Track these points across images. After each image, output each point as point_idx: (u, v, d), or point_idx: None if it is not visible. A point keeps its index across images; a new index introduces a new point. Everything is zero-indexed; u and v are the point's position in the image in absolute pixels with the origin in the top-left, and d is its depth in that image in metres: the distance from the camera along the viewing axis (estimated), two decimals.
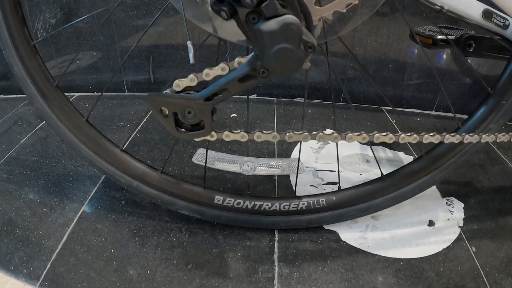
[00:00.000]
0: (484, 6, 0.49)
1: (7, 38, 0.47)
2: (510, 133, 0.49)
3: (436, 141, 0.43)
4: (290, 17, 0.25)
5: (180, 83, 0.35)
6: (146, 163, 0.53)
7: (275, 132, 0.38)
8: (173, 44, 0.84)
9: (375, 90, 0.87)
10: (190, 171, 0.66)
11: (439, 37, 0.56)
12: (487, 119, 0.51)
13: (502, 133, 0.48)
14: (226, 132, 0.37)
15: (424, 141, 0.43)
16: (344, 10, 0.37)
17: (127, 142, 0.73)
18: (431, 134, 0.44)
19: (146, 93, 0.89)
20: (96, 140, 0.52)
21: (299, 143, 0.72)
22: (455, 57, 0.83)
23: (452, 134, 0.44)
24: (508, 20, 0.50)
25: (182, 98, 0.35)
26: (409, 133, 0.45)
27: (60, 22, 0.87)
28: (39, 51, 0.50)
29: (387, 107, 0.89)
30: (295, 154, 0.71)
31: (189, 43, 0.31)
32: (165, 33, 0.84)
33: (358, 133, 0.44)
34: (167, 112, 0.36)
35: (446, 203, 0.63)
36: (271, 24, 0.26)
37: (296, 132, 0.39)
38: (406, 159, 0.72)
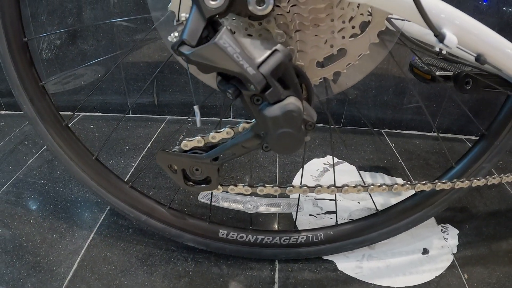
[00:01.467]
0: None
1: (16, 79, 0.50)
2: (501, 175, 0.52)
3: (428, 189, 0.47)
4: (292, 104, 0.29)
5: (188, 144, 0.38)
6: (154, 198, 0.56)
7: (277, 187, 0.41)
8: (177, 69, 0.87)
9: (375, 114, 0.90)
10: (196, 206, 0.69)
11: (438, 73, 0.59)
12: (481, 159, 0.55)
13: (493, 176, 0.51)
14: (231, 187, 0.41)
15: (416, 189, 0.47)
16: (345, 70, 0.40)
17: (131, 175, 0.76)
18: (423, 183, 0.47)
19: (150, 116, 0.93)
20: (106, 177, 0.55)
21: (301, 169, 0.75)
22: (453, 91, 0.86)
23: (443, 181, 0.48)
24: None
25: (191, 157, 0.38)
26: (402, 184, 0.48)
27: (65, 44, 0.90)
28: (47, 91, 0.53)
29: (386, 130, 0.93)
30: (296, 181, 0.74)
31: (196, 108, 0.34)
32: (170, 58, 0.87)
33: (354, 185, 0.47)
34: (176, 168, 0.40)
35: (441, 230, 0.66)
36: (274, 110, 0.29)
37: (295, 186, 0.43)
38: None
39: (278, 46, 0.28)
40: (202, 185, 0.40)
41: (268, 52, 0.28)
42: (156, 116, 0.95)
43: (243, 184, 0.41)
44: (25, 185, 0.76)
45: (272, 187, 0.41)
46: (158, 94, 0.89)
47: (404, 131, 0.94)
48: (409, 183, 0.48)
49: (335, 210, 0.65)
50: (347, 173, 0.77)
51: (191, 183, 0.41)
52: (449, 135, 0.94)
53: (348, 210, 0.67)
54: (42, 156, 0.84)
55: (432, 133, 0.94)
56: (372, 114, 0.91)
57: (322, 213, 0.66)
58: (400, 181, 0.76)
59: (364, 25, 0.38)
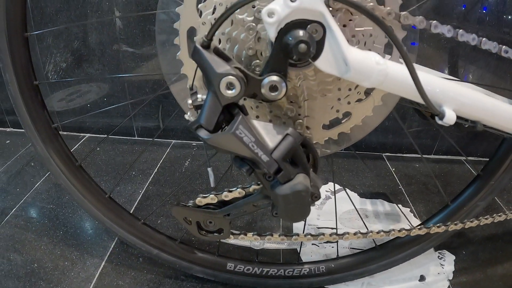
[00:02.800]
0: None
1: (28, 121, 0.53)
2: (494, 215, 0.56)
3: (423, 233, 0.51)
4: (300, 184, 0.32)
5: (202, 200, 0.42)
6: (165, 234, 0.60)
7: (283, 236, 0.45)
8: None
9: (377, 138, 0.94)
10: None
11: None
12: (476, 198, 0.59)
13: (485, 217, 0.55)
14: (241, 235, 0.45)
15: (391, 236, 0.51)
16: (349, 131, 0.43)
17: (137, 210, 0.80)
18: (419, 227, 0.51)
19: (156, 139, 0.96)
20: (119, 214, 0.59)
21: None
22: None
23: (438, 225, 0.52)
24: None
25: (205, 212, 0.42)
26: (399, 229, 0.52)
27: (71, 67, 0.92)
28: (59, 133, 0.56)
29: (387, 154, 0.97)
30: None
31: (209, 170, 0.38)
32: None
33: (354, 233, 0.51)
34: (190, 220, 0.43)
35: (438, 256, 0.71)
36: (285, 190, 0.32)
37: (300, 235, 0.47)
38: (402, 211, 0.79)
39: (290, 131, 0.32)
40: (215, 234, 0.44)
41: (280, 138, 0.31)
42: (161, 140, 0.99)
43: (252, 233, 0.45)
44: (34, 209, 0.80)
45: (279, 235, 0.45)
46: (164, 118, 0.92)
47: (404, 155, 0.98)
48: (405, 228, 0.52)
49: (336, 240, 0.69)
50: (347, 200, 0.81)
51: (204, 232, 0.44)
52: (449, 157, 0.98)
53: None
54: (49, 179, 0.87)
55: (432, 156, 0.98)
56: (373, 139, 0.95)
57: (324, 242, 0.71)
58: (397, 226, 0.79)
59: (368, 89, 0.41)
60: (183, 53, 0.39)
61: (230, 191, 0.41)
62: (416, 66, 0.34)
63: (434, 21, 0.35)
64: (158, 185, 0.82)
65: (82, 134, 0.99)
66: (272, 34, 0.29)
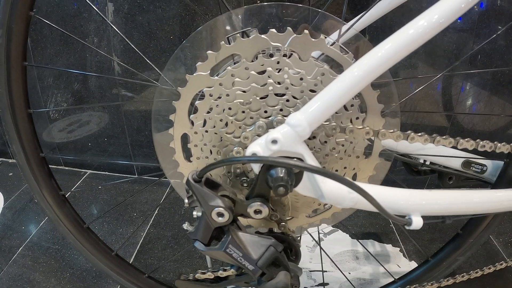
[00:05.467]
0: (463, 158, 0.62)
1: (38, 190, 0.60)
2: (471, 272, 0.64)
3: None
4: (282, 282, 0.40)
5: (201, 276, 0.50)
6: (169, 285, 0.68)
7: None
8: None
9: None
10: None
11: (424, 168, 0.69)
12: (455, 253, 0.66)
13: (461, 275, 0.63)
14: None
15: None
16: (330, 218, 0.51)
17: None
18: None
19: (155, 178, 1.04)
20: (125, 269, 0.67)
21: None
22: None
23: (414, 286, 0.59)
24: (485, 166, 0.63)
25: (204, 285, 0.50)
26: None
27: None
28: (68, 199, 0.64)
29: None
30: None
31: (207, 257, 0.46)
32: None
33: None
34: None
35: None
36: (268, 286, 0.40)
37: None
38: (392, 251, 0.87)
39: (272, 242, 0.39)
40: None
41: (263, 250, 0.39)
42: (161, 180, 1.06)
43: None
44: (40, 249, 0.88)
45: None
46: None
47: None
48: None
49: (327, 282, 0.77)
50: (340, 241, 0.88)
51: None
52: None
53: (339, 281, 0.79)
54: None
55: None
56: None
57: (315, 285, 0.79)
58: (386, 267, 0.86)
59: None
60: (178, 155, 0.46)
61: (225, 270, 0.48)
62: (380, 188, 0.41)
63: (412, 134, 0.41)
64: (159, 227, 0.90)
65: (83, 170, 1.07)
66: (256, 169, 0.36)
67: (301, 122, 0.32)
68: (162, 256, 0.83)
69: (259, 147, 0.35)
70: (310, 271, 0.82)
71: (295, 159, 0.34)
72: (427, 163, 0.64)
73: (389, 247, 0.89)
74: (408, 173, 0.72)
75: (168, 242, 0.86)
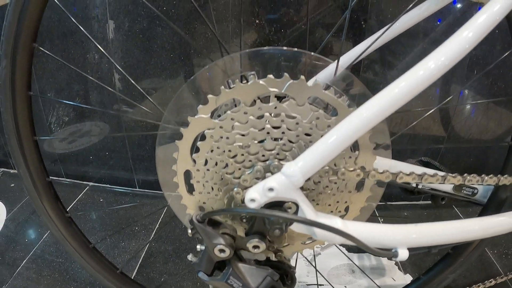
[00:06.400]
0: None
1: (44, 211, 0.63)
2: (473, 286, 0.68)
3: None
4: None
5: None
6: None
7: None
8: None
9: None
10: None
11: (418, 190, 0.73)
12: (446, 271, 0.70)
13: None
14: None
15: None
16: (324, 244, 0.54)
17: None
18: None
19: (156, 191, 1.07)
20: (129, 286, 0.71)
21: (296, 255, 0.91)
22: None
23: None
24: (476, 189, 0.67)
25: None
26: None
27: (73, 122, 1.03)
28: (74, 221, 0.67)
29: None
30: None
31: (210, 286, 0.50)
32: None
33: None
34: None
35: None
36: None
37: None
38: (388, 264, 0.91)
39: (269, 272, 0.43)
40: None
41: (261, 279, 0.42)
42: (162, 193, 1.09)
43: None
44: (43, 262, 0.91)
45: None
46: None
47: (393, 203, 1.09)
48: None
49: None
50: (335, 256, 0.92)
51: None
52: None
53: None
54: None
55: (420, 202, 1.09)
56: None
57: None
58: (381, 281, 0.91)
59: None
60: (181, 189, 0.49)
61: None
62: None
63: (401, 173, 0.45)
64: (160, 241, 0.94)
65: (84, 183, 1.11)
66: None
67: (296, 173, 0.35)
68: (164, 270, 0.87)
69: (257, 194, 0.38)
70: (307, 285, 0.86)
71: (290, 203, 0.38)
72: (420, 186, 0.68)
73: (384, 260, 0.93)
74: (402, 193, 0.76)
75: (169, 256, 0.90)
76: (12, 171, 1.24)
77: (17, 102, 0.54)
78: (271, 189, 0.36)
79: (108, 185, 1.08)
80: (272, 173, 0.42)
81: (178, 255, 0.90)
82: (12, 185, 1.19)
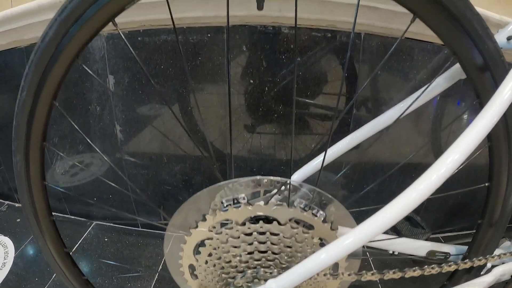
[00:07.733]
0: (429, 248, 0.76)
1: (48, 251, 0.73)
2: None
3: None
4: None
5: None
6: None
7: None
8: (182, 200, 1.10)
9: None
10: None
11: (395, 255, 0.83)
12: None
13: None
14: None
15: None
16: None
17: None
18: None
19: (159, 231, 1.18)
20: None
21: None
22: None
23: None
24: (449, 253, 0.77)
25: None
26: None
27: (77, 168, 1.11)
28: (76, 262, 0.77)
29: None
30: None
31: None
32: (176, 185, 1.09)
33: None
34: None
35: None
36: None
37: None
38: None
39: None
40: None
41: None
42: (164, 233, 1.19)
43: None
44: None
45: None
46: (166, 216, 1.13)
47: None
48: None
49: None
50: None
51: None
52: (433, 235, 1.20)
53: None
54: None
55: None
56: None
57: None
58: None
59: None
60: (186, 275, 0.60)
61: None
62: None
63: (364, 275, 0.55)
64: (164, 282, 1.05)
65: (89, 221, 1.21)
66: None
67: None
68: None
69: None
70: None
71: None
72: (396, 253, 0.79)
73: None
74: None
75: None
76: (17, 205, 1.33)
77: (30, 152, 0.56)
78: None
79: (111, 223, 1.18)
80: (259, 280, 0.52)
81: None
82: (18, 220, 1.28)
